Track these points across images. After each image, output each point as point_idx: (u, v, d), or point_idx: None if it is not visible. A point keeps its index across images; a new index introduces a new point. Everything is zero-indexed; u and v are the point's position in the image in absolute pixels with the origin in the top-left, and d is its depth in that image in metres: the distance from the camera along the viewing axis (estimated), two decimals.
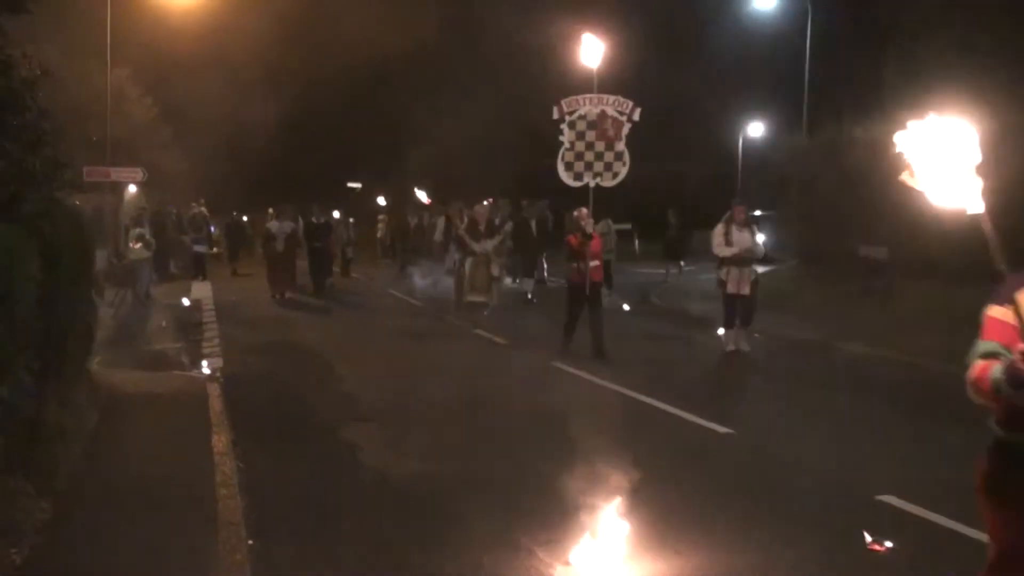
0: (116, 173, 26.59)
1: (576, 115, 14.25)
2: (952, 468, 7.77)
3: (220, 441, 8.18)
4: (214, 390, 10.54)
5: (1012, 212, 9.24)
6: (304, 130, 46.67)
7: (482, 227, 16.79)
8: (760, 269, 14.59)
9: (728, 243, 13.29)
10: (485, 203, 18.47)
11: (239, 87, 38.24)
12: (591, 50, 14.51)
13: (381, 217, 37.43)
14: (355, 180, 53.64)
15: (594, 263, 13.08)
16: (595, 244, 13.19)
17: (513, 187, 32.61)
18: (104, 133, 27.15)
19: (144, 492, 6.75)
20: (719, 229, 13.49)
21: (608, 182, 14.09)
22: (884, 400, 10.68)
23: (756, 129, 45.60)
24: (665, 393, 10.52)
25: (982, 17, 25.75)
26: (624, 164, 14.22)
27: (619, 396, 10.67)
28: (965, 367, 3.53)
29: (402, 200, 36.18)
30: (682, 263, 26.77)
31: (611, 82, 15.64)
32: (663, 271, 26.50)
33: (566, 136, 14.24)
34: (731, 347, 13.48)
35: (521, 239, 21.97)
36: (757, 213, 34.55)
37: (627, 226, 29.36)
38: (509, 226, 21.36)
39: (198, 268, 26.04)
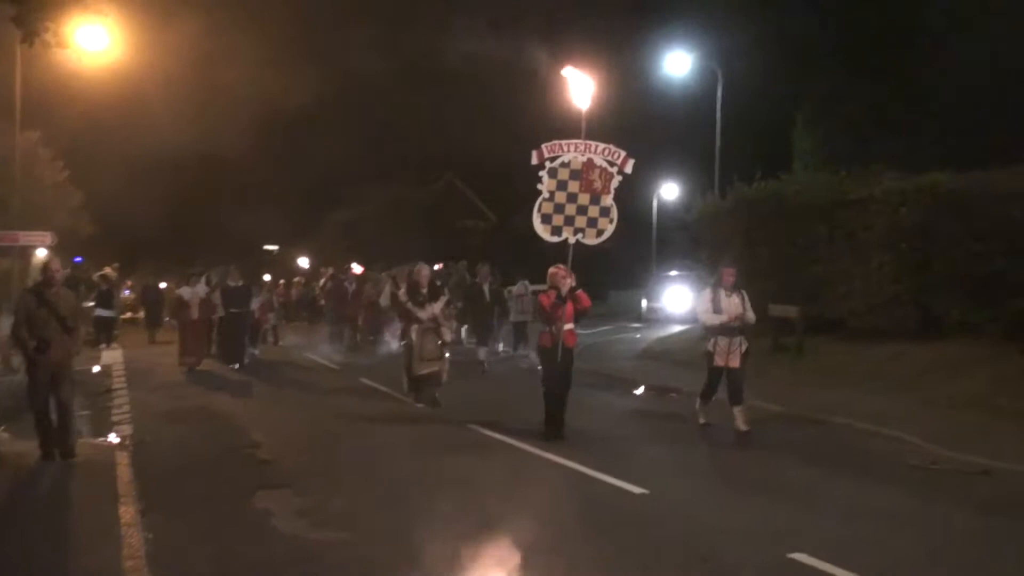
0: (25, 237, 26.08)
1: (559, 162, 12.61)
2: (862, 524, 7.94)
3: (127, 512, 8.00)
4: (122, 458, 10.31)
5: None
6: (219, 192, 46.34)
7: (424, 290, 15.04)
8: (675, 329, 14.65)
9: (716, 310, 12.29)
10: (435, 266, 16.86)
11: (152, 149, 37.91)
12: (581, 89, 12.94)
13: (297, 279, 37.26)
14: (271, 242, 53.37)
15: (568, 326, 12.01)
16: (571, 307, 12.10)
17: (429, 249, 32.67)
18: (13, 197, 26.65)
19: (47, 565, 6.56)
20: (706, 295, 12.62)
21: (591, 239, 12.53)
22: (796, 457, 10.82)
23: (670, 191, 46.40)
24: (579, 453, 10.55)
25: (890, 86, 26.71)
26: (611, 221, 12.60)
27: (535, 458, 10.67)
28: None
29: (320, 262, 36.08)
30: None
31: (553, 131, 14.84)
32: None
33: (545, 185, 12.57)
34: (703, 420, 12.70)
35: (474, 304, 20.83)
36: (673, 274, 35.37)
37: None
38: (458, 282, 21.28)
39: (100, 334, 25.36)
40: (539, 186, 12.62)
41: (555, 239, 12.56)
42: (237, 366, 20.26)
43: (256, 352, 22.48)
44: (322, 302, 29.63)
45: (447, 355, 14.88)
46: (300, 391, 16.81)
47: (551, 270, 12.29)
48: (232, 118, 38.28)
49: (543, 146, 12.62)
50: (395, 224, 44.82)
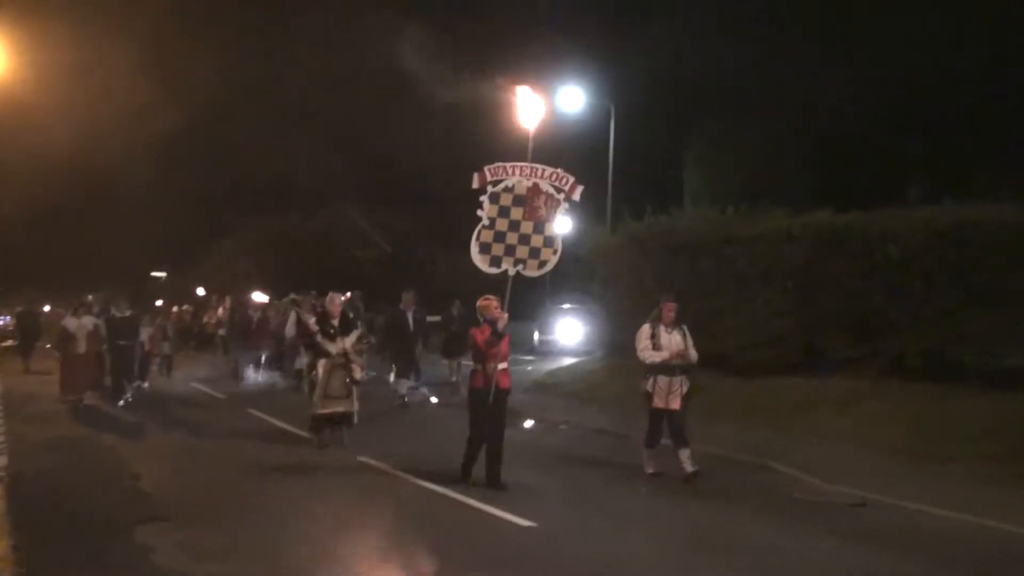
0: None
1: (502, 187, 11.61)
2: (746, 556, 8.08)
3: (1, 546, 7.73)
4: None
5: None
6: (102, 216, 45.18)
7: (336, 322, 13.79)
8: (567, 361, 14.66)
9: (656, 346, 11.56)
10: (342, 295, 14.80)
11: (38, 170, 36.94)
12: (529, 110, 12.21)
13: (186, 307, 36.52)
14: (159, 269, 52.28)
15: (502, 365, 10.88)
16: (505, 342, 11.05)
17: (319, 279, 32.36)
18: None
19: None
20: (644, 330, 11.79)
21: (532, 271, 11.55)
22: (681, 491, 10.96)
23: (563, 224, 46.81)
24: (470, 487, 10.54)
25: (775, 125, 27.48)
26: (555, 252, 11.54)
27: (422, 490, 10.61)
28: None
29: (214, 291, 35.30)
30: (461, 361, 21.71)
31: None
32: (447, 370, 22.30)
33: (486, 210, 11.55)
34: (652, 470, 11.65)
35: (396, 334, 19.29)
36: (566, 306, 35.60)
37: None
38: (379, 320, 20.30)
39: None
40: (479, 212, 11.65)
41: (493, 270, 11.58)
42: (121, 403, 18.57)
43: (145, 385, 20.97)
44: (221, 332, 28.13)
45: (355, 394, 13.76)
46: (185, 423, 16.30)
47: (482, 302, 11.32)
48: (113, 140, 37.50)
49: (486, 168, 11.69)
50: (283, 253, 44.37)
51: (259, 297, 26.90)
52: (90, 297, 22.92)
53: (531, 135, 11.94)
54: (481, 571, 7.58)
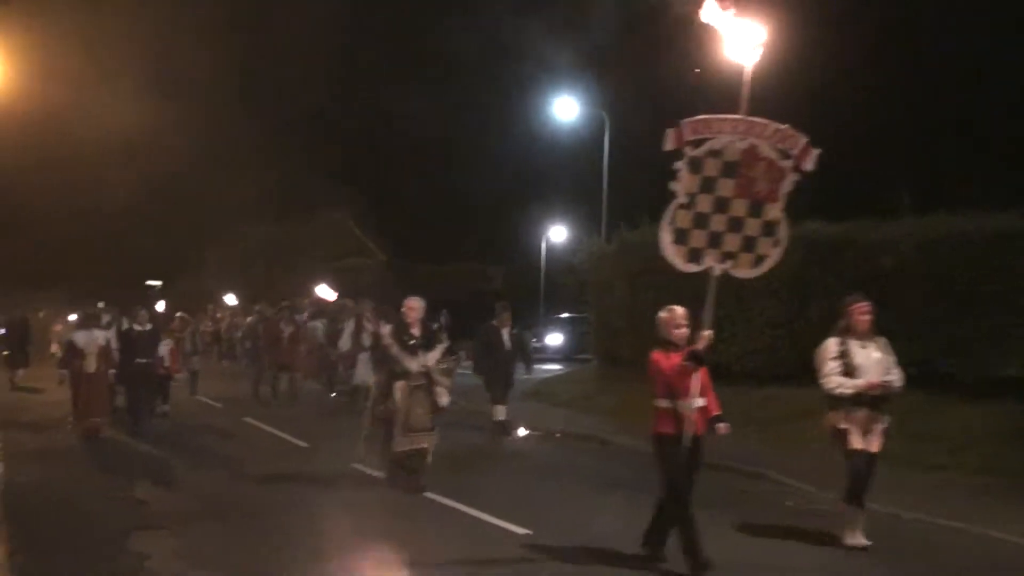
0: None
1: (705, 149, 8.18)
2: (741, 566, 8.11)
3: None
4: None
5: None
6: (94, 222, 45.05)
7: (416, 331, 11.13)
8: (561, 370, 14.43)
9: (848, 369, 8.65)
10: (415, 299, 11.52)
11: (32, 181, 36.98)
12: (743, 38, 8.09)
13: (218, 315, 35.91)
14: (153, 277, 52.13)
15: (699, 402, 7.98)
16: (705, 373, 8.04)
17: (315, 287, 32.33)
18: None
19: None
20: (830, 347, 8.85)
21: (744, 270, 8.31)
22: None
23: (558, 233, 46.93)
24: (462, 493, 10.56)
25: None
26: (776, 244, 8.20)
27: (415, 497, 10.61)
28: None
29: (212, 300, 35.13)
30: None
31: None
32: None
33: (683, 183, 8.23)
34: (855, 541, 8.70)
35: (492, 353, 16.45)
36: (564, 315, 35.66)
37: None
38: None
39: None
40: (672, 185, 8.31)
41: (692, 267, 8.36)
42: (143, 433, 15.57)
43: (166, 409, 18.03)
44: (247, 344, 25.40)
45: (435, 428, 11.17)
46: (181, 431, 16.25)
47: (664, 315, 8.23)
48: (115, 150, 37.55)
49: (684, 123, 8.21)
50: (279, 261, 44.36)
51: (326, 293, 22.72)
52: (100, 305, 21.20)
53: (746, 74, 8.09)
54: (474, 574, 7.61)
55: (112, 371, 15.97)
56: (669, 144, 8.24)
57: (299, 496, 10.72)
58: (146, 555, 8.09)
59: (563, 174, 44.29)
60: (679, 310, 8.10)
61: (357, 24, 62.83)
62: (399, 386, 10.86)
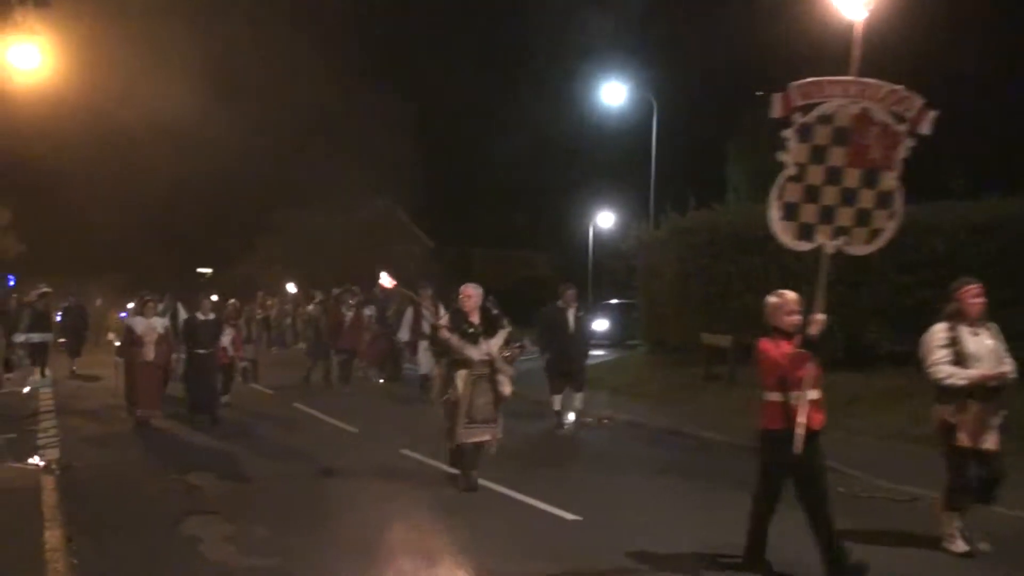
0: None
1: (816, 115, 7.47)
2: (792, 551, 8.03)
3: (53, 536, 7.88)
4: (48, 482, 10.14)
5: None
6: (150, 212, 45.58)
7: (475, 319, 10.64)
8: (610, 356, 14.20)
9: (961, 358, 7.93)
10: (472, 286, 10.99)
11: (83, 168, 37.47)
12: None
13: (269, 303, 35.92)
14: (204, 265, 52.63)
15: (812, 394, 7.25)
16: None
17: (364, 274, 32.43)
18: None
19: None
20: (937, 334, 8.13)
21: (859, 246, 7.61)
22: (732, 486, 10.90)
23: (606, 219, 46.79)
24: (511, 479, 10.56)
25: None
26: (891, 216, 7.53)
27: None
28: None
29: (263, 286, 35.33)
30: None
31: None
32: None
33: (792, 153, 7.54)
34: (959, 547, 7.97)
35: (554, 338, 15.32)
36: (613, 301, 35.58)
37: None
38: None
39: (35, 360, 22.21)
40: (780, 155, 7.58)
41: (803, 245, 7.71)
42: (204, 421, 15.34)
43: (227, 400, 17.24)
44: (309, 332, 24.31)
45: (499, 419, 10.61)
46: (233, 417, 16.19)
47: (773, 299, 7.56)
48: (166, 137, 37.91)
49: (793, 87, 7.45)
50: (328, 249, 44.58)
51: (386, 280, 23.12)
52: (158, 295, 19.58)
53: (856, 31, 7.36)
54: (532, 562, 7.59)
55: (175, 356, 15.93)
56: (776, 111, 7.49)
57: (348, 482, 10.78)
58: (198, 539, 8.19)
59: (610, 159, 44.23)
60: (790, 295, 7.45)
61: (403, 8, 62.94)
62: (460, 375, 10.34)
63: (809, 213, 7.51)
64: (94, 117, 34.39)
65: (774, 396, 7.27)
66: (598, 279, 38.96)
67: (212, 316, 16.35)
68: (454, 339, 10.35)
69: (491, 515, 9.25)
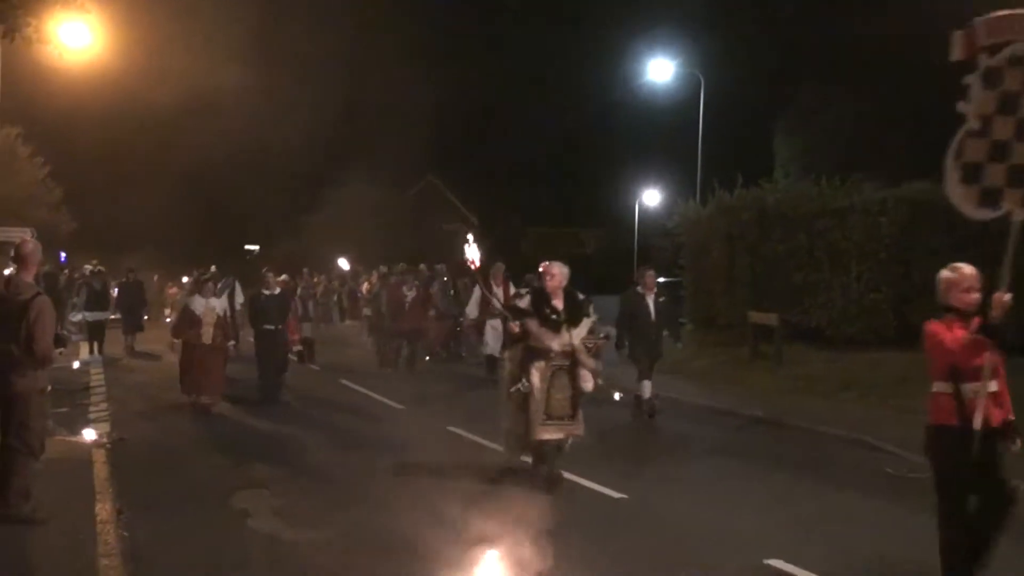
0: (4, 233, 25.80)
1: (1005, 55, 6.10)
2: (838, 531, 7.98)
3: (104, 509, 7.98)
4: (99, 456, 10.27)
5: None
6: (199, 188, 45.95)
7: (558, 302, 9.34)
8: None
9: None
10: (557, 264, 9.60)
11: (134, 145, 37.88)
12: None
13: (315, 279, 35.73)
14: (250, 242, 52.99)
15: (992, 386, 6.08)
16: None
17: (410, 252, 32.53)
18: None
19: (22, 562, 6.54)
20: None
21: None
22: (775, 465, 10.86)
23: (652, 197, 46.55)
24: (563, 459, 10.53)
25: (871, 93, 26.87)
26: None
27: (514, 461, 10.63)
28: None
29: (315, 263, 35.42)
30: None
31: None
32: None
33: (973, 104, 6.16)
34: None
35: (635, 323, 14.24)
36: (661, 280, 35.41)
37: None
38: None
39: (92, 337, 21.95)
40: (961, 106, 6.20)
41: (986, 213, 6.45)
42: (271, 398, 14.98)
43: (286, 378, 15.97)
44: (366, 311, 24.12)
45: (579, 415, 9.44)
46: (287, 393, 15.71)
47: (948, 274, 6.38)
48: (213, 114, 38.20)
49: (978, 23, 6.07)
50: (374, 226, 44.74)
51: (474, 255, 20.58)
52: (212, 269, 19.91)
53: None
54: (580, 539, 7.58)
55: (231, 343, 15.15)
56: (957, 53, 6.16)
57: (394, 458, 10.80)
58: (247, 513, 8.26)
59: (656, 137, 43.96)
60: (968, 270, 6.26)
61: None
62: (537, 367, 9.15)
63: (996, 174, 6.22)
64: (142, 93, 34.80)
65: (944, 387, 6.23)
66: (644, 257, 38.80)
67: (278, 291, 15.79)
68: (534, 325, 9.14)
69: (538, 492, 9.20)
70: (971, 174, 6.24)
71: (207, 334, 14.19)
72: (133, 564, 6.65)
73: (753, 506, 8.85)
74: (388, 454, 11.01)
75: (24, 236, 24.36)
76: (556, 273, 9.36)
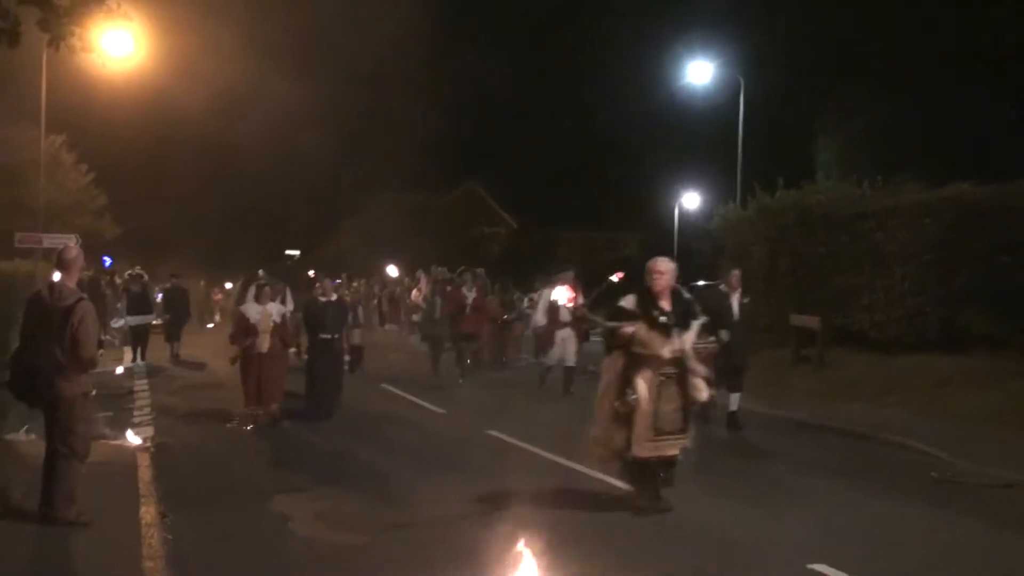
0: (49, 239, 26.12)
1: None
2: (881, 536, 7.90)
3: (148, 512, 8.05)
4: (143, 460, 10.37)
5: None
6: (241, 195, 46.41)
7: (666, 304, 8.45)
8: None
9: None
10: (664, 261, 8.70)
11: (175, 151, 38.27)
12: None
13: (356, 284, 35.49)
14: (290, 247, 53.31)
15: None
16: None
17: (449, 256, 32.55)
18: (37, 199, 26.83)
19: (67, 563, 6.61)
20: None
21: None
22: (818, 468, 10.77)
23: (691, 200, 46.36)
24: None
25: (908, 97, 26.64)
26: None
27: (552, 464, 10.61)
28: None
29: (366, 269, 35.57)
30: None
31: None
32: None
33: None
34: None
35: (720, 326, 12.01)
36: (700, 283, 35.23)
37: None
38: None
39: (136, 343, 21.77)
40: None
41: None
42: (326, 412, 14.01)
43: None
44: (415, 317, 23.35)
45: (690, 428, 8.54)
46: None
47: None
48: (253, 120, 38.50)
49: None
50: (414, 231, 44.88)
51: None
52: (260, 273, 19.07)
53: None
54: (617, 541, 7.60)
55: (292, 351, 14.39)
56: None
57: (436, 463, 10.84)
58: (288, 516, 8.30)
59: (696, 139, 43.75)
60: None
61: None
62: (644, 377, 8.21)
63: None
64: (183, 100, 35.05)
65: None
66: (684, 260, 38.69)
67: (334, 297, 15.04)
68: (642, 330, 8.20)
69: (573, 495, 9.17)
70: None
71: (263, 343, 13.37)
72: (177, 567, 6.70)
73: (796, 510, 8.79)
74: (430, 459, 11.06)
75: (68, 242, 24.76)
76: (664, 271, 8.42)
